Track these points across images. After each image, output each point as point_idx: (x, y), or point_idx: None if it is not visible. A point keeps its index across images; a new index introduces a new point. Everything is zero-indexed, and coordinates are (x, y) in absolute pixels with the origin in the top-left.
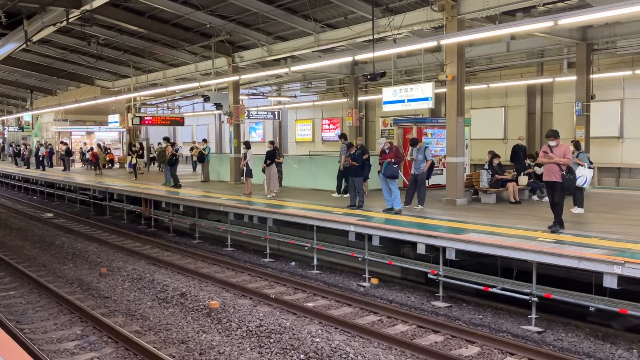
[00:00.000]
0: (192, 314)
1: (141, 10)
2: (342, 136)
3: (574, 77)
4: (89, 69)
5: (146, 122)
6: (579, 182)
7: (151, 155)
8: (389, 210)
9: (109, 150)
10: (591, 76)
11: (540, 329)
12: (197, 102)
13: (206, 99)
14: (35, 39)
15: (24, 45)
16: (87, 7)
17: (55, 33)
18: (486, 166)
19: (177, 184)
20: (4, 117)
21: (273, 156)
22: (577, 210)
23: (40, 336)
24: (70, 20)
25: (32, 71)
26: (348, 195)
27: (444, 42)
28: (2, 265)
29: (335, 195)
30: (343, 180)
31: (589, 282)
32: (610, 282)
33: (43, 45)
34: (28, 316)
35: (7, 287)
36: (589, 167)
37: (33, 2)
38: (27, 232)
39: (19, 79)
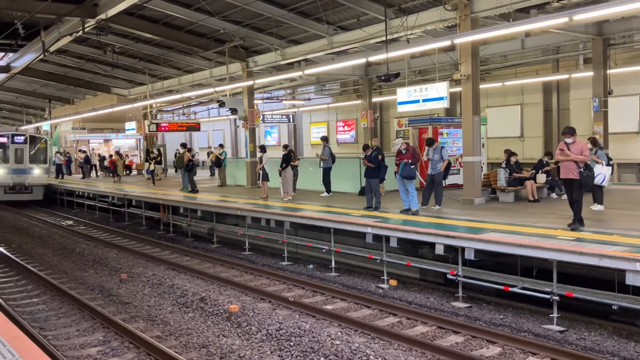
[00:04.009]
0: (212, 318)
1: (155, 18)
2: (324, 138)
3: (591, 73)
4: (105, 77)
5: (163, 128)
6: (597, 181)
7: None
8: (406, 211)
9: (127, 157)
10: (608, 71)
11: (562, 328)
12: (212, 108)
13: (221, 104)
14: (52, 49)
15: (42, 56)
16: (103, 16)
17: (72, 43)
18: (503, 165)
19: (194, 189)
20: (24, 127)
21: (288, 159)
22: (597, 207)
23: (64, 342)
24: (86, 30)
25: (50, 81)
26: (327, 193)
27: (457, 41)
28: (25, 273)
29: (325, 195)
30: (325, 179)
31: (611, 280)
32: (633, 280)
33: (60, 55)
34: (51, 323)
35: (30, 294)
36: (608, 165)
37: (50, 13)
38: (48, 240)
39: (38, 89)
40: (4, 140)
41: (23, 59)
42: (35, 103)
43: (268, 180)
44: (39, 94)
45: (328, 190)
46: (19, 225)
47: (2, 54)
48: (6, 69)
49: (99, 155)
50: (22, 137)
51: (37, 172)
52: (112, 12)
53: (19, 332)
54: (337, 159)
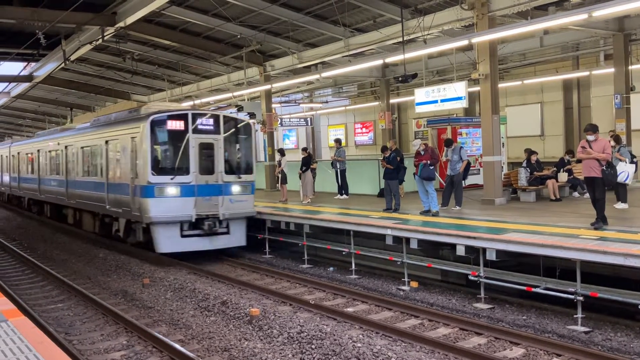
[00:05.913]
0: (233, 322)
1: (173, 24)
2: (337, 140)
3: (612, 69)
4: (125, 84)
5: None
6: (620, 178)
7: None
8: (426, 212)
9: None
10: (630, 67)
11: (588, 329)
12: (231, 112)
13: (239, 108)
14: (73, 57)
15: (63, 64)
16: (121, 24)
17: (92, 51)
18: (524, 164)
19: None
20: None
21: (308, 163)
22: (620, 205)
23: (88, 347)
24: (105, 38)
25: (71, 89)
26: (345, 195)
27: (475, 40)
28: (50, 279)
29: (338, 197)
30: (342, 181)
31: (636, 279)
32: None
33: (81, 63)
34: (76, 327)
35: (55, 299)
36: (631, 162)
37: (70, 22)
38: (71, 246)
39: (59, 97)
40: (178, 125)
41: (45, 68)
42: (57, 111)
43: (287, 183)
44: (61, 102)
45: (346, 192)
46: (42, 233)
47: (25, 63)
48: (29, 78)
49: None
50: (212, 122)
51: (237, 191)
52: (130, 19)
53: (44, 338)
54: (357, 161)
